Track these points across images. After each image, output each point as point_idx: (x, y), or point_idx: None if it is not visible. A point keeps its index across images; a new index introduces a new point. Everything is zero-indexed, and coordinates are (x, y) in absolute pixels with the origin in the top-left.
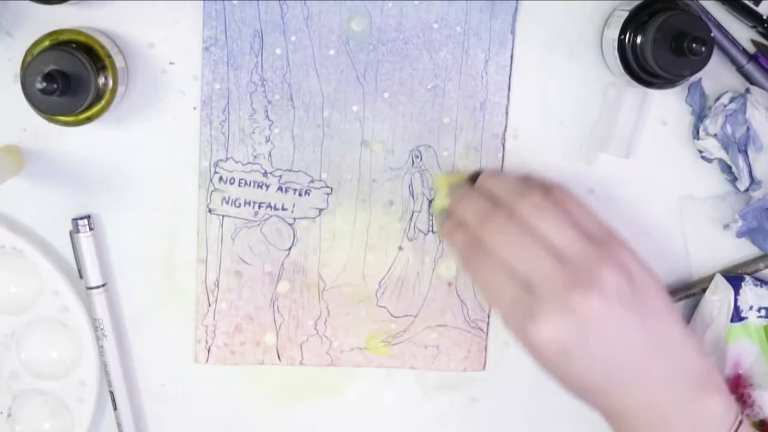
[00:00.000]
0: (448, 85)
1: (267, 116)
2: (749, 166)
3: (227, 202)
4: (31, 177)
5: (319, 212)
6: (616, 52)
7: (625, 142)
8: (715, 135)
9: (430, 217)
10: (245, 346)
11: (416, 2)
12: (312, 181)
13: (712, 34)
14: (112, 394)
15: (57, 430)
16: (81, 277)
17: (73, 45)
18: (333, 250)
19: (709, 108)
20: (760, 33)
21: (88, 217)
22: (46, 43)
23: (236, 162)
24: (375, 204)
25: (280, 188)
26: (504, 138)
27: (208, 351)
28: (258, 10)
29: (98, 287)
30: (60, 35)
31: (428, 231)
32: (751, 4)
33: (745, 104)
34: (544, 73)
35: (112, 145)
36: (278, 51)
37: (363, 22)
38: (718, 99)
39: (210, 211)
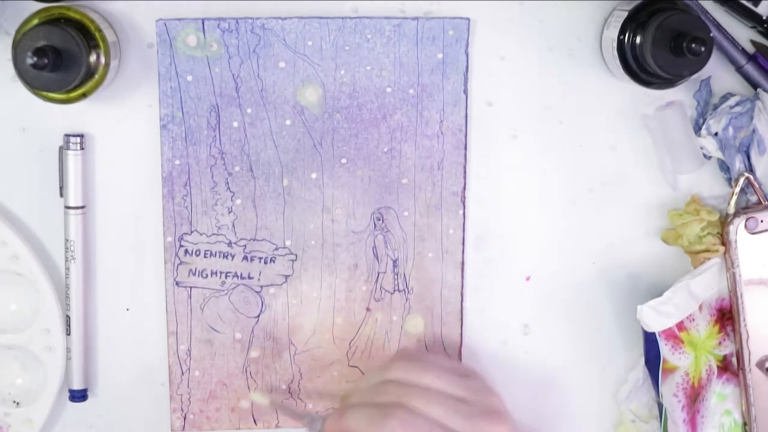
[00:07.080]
0: (404, 146)
1: (228, 188)
2: (747, 167)
3: (194, 274)
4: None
5: (286, 279)
6: (615, 52)
7: (691, 155)
8: (716, 134)
9: (395, 277)
10: (220, 411)
11: (368, 68)
12: (276, 249)
13: (711, 34)
14: (68, 318)
15: (32, 383)
16: (62, 195)
17: (62, 21)
18: (301, 315)
19: (714, 106)
20: (760, 33)
21: (81, 135)
22: (35, 21)
23: (200, 234)
24: (340, 268)
25: (245, 257)
26: (464, 196)
27: (184, 418)
28: (212, 85)
29: (77, 208)
30: (49, 12)
31: (394, 290)
32: (750, 5)
33: (753, 108)
34: (544, 73)
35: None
36: (235, 124)
37: (316, 91)
38: (725, 99)
39: (177, 284)
